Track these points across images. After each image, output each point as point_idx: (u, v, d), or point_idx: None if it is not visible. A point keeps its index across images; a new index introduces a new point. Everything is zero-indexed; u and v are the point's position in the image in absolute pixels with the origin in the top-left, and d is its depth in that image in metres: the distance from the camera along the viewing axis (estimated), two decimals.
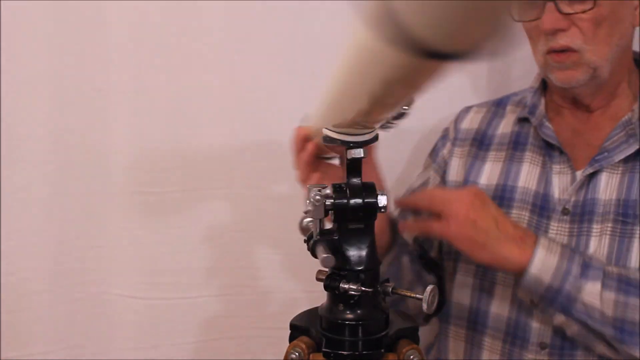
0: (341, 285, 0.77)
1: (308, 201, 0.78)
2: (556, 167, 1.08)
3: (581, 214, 1.04)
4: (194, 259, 1.36)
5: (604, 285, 0.94)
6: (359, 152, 0.77)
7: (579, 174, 1.06)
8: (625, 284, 0.97)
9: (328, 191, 0.78)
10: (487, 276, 1.10)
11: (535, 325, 1.04)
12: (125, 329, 1.38)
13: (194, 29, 1.30)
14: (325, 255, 0.76)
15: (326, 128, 0.78)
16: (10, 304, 1.31)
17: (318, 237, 0.79)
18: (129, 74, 1.29)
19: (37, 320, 1.34)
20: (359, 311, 0.78)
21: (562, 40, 0.98)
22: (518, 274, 0.96)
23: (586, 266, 0.95)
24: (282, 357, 0.80)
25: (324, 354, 0.79)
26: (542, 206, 1.06)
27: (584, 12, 0.96)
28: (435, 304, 0.79)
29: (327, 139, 0.78)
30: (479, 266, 1.09)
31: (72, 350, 1.36)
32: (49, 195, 1.28)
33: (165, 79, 1.30)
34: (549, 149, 1.09)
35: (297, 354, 0.79)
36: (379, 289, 0.80)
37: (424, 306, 0.78)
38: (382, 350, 0.79)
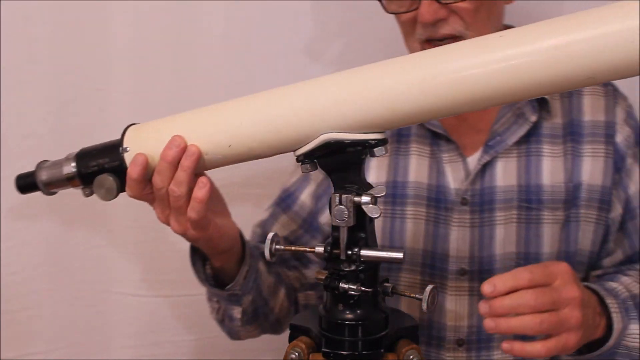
0: (341, 285, 0.78)
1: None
2: (446, 157, 1.06)
3: (481, 203, 1.03)
4: None
5: None
6: (381, 151, 0.77)
7: (471, 161, 1.05)
8: None
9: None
10: (396, 214, 1.07)
11: (449, 323, 1.04)
12: (125, 327, 1.39)
13: (194, 29, 1.30)
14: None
15: (337, 131, 0.76)
16: (11, 303, 1.31)
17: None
18: (129, 73, 1.29)
19: (38, 318, 1.34)
20: (358, 311, 0.78)
21: (443, 30, 0.97)
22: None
23: (626, 309, 0.94)
24: (282, 357, 0.80)
25: (324, 354, 0.79)
26: (438, 199, 1.05)
27: (463, 0, 0.95)
28: (435, 304, 0.79)
29: (342, 142, 0.76)
30: (386, 205, 1.07)
31: (73, 348, 1.36)
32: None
33: (165, 79, 1.31)
34: (435, 138, 1.06)
35: (296, 354, 0.79)
36: (378, 289, 0.80)
37: (424, 306, 0.78)
38: (382, 350, 0.79)
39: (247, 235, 1.17)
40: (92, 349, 1.37)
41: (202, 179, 0.83)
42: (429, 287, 0.78)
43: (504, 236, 1.03)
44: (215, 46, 1.31)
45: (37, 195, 0.94)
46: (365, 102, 0.75)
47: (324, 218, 1.12)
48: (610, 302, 0.93)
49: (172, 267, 1.35)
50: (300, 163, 0.79)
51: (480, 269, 1.04)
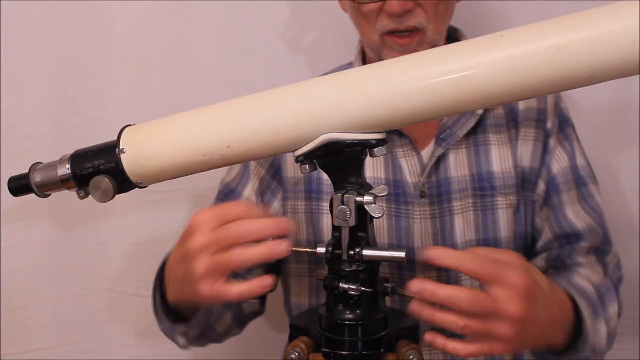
0: (341, 285, 0.78)
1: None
2: (400, 151, 1.07)
3: (438, 195, 1.06)
4: None
5: (605, 322, 0.95)
6: (381, 151, 0.77)
7: (424, 154, 1.07)
8: (603, 288, 0.99)
9: None
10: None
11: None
12: (126, 326, 1.39)
13: (194, 29, 1.30)
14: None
15: (337, 131, 0.76)
16: (13, 301, 1.32)
17: None
18: (129, 73, 1.30)
19: (40, 316, 1.34)
20: (358, 311, 0.78)
21: (408, 22, 0.99)
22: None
23: (595, 311, 0.94)
24: (282, 357, 0.80)
25: (324, 353, 0.79)
26: (397, 193, 1.06)
27: None
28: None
29: (342, 142, 0.76)
30: None
31: (75, 346, 1.37)
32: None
33: (165, 79, 1.31)
34: (388, 133, 1.06)
35: (296, 353, 0.79)
36: (378, 289, 0.80)
37: None
38: (382, 350, 0.79)
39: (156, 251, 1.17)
40: (93, 348, 1.37)
41: (267, 279, 0.78)
42: None
43: (462, 225, 1.05)
44: (215, 46, 1.31)
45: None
46: (365, 102, 0.75)
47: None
48: (582, 306, 0.91)
49: None
50: (299, 164, 0.79)
51: None
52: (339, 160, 0.78)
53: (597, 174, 1.22)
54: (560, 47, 0.68)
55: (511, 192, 1.06)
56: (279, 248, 0.76)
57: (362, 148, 0.77)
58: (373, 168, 1.07)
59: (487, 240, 1.06)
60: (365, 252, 0.77)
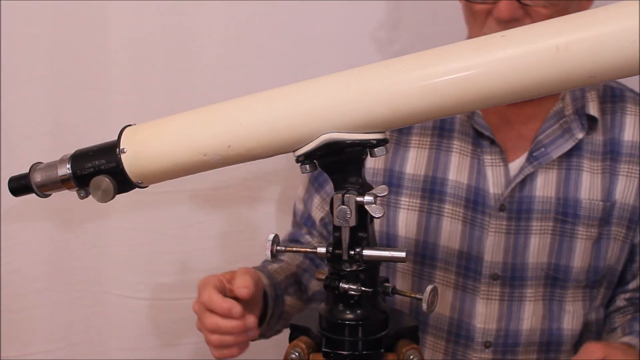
0: (341, 285, 0.77)
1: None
2: (488, 159, 1.06)
3: (518, 211, 1.04)
4: (193, 259, 1.36)
5: None
6: (381, 151, 0.77)
7: (512, 167, 1.05)
8: None
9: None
10: (424, 276, 1.09)
11: (479, 325, 1.05)
12: (124, 329, 1.39)
13: (194, 29, 1.30)
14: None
15: (339, 132, 0.76)
16: (11, 304, 1.31)
17: None
18: (129, 73, 1.29)
19: (37, 319, 1.34)
20: (358, 311, 0.78)
21: None
22: None
23: None
24: (282, 357, 0.80)
25: (324, 353, 0.79)
26: (476, 201, 1.05)
27: (545, 6, 0.96)
28: (435, 305, 0.79)
29: (343, 142, 0.76)
30: (415, 265, 1.09)
31: (72, 349, 1.36)
32: None
33: (165, 79, 1.30)
34: (479, 139, 1.06)
35: (297, 354, 0.79)
36: (378, 289, 0.80)
37: (424, 306, 0.78)
38: (382, 350, 0.79)
39: (246, 229, 1.20)
40: (90, 350, 1.37)
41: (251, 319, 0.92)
42: (429, 288, 0.78)
43: (537, 246, 1.04)
44: (215, 46, 1.31)
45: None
46: (366, 102, 0.75)
47: None
48: None
49: (171, 270, 1.35)
50: (300, 164, 0.79)
51: (512, 276, 1.05)
52: (340, 160, 0.78)
53: None
54: (560, 47, 0.68)
55: (594, 224, 1.04)
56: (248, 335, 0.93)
57: (363, 148, 0.77)
58: (457, 172, 1.06)
59: (558, 266, 1.04)
60: (366, 252, 0.77)
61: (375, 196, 0.75)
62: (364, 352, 0.78)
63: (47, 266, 1.33)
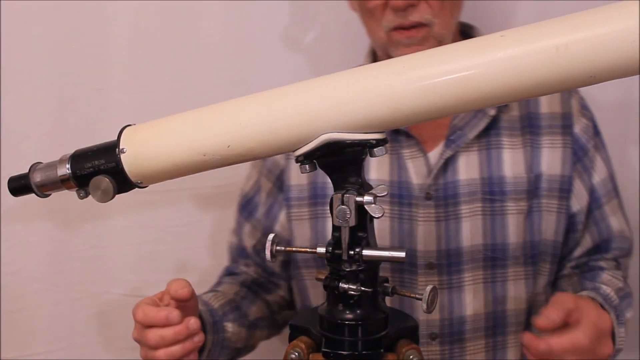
0: (341, 285, 0.77)
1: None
2: (406, 152, 1.06)
3: (445, 198, 1.04)
4: (193, 258, 1.36)
5: (624, 328, 0.96)
6: (381, 151, 0.77)
7: (432, 156, 1.06)
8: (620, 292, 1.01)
9: None
10: None
11: (422, 318, 1.04)
12: (124, 329, 1.38)
13: (194, 29, 1.30)
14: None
15: (338, 131, 0.76)
16: (11, 304, 1.31)
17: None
18: (129, 73, 1.30)
19: (38, 319, 1.34)
20: (358, 311, 0.78)
21: (412, 17, 0.99)
22: None
23: (618, 316, 0.95)
24: (282, 357, 0.80)
25: (324, 354, 0.79)
26: (401, 195, 1.05)
27: None
28: (435, 304, 0.79)
29: (342, 142, 0.76)
30: None
31: (72, 350, 1.36)
32: None
33: (165, 79, 1.31)
34: (395, 134, 1.07)
35: (296, 354, 0.79)
36: (378, 289, 0.80)
37: (424, 306, 0.78)
38: (382, 350, 0.79)
39: (225, 246, 1.18)
40: (91, 350, 1.37)
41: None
42: (428, 287, 0.78)
43: (470, 229, 1.04)
44: (215, 46, 1.31)
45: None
46: (366, 102, 0.75)
47: (279, 227, 1.13)
48: (615, 326, 0.94)
49: (171, 268, 1.35)
50: (299, 164, 0.79)
51: (448, 262, 1.05)
52: (339, 160, 0.78)
53: None
54: (560, 47, 0.68)
55: (522, 198, 1.05)
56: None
57: (362, 148, 0.77)
58: (377, 170, 1.07)
59: (494, 245, 1.04)
60: (365, 252, 0.77)
61: (375, 196, 0.75)
62: (364, 352, 0.78)
63: (47, 266, 1.33)
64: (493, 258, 1.05)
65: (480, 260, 1.05)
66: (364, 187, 0.78)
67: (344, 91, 0.76)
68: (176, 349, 0.87)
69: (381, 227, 1.05)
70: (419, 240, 1.05)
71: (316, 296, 1.12)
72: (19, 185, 0.90)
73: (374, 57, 1.13)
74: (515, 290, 1.06)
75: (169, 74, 1.31)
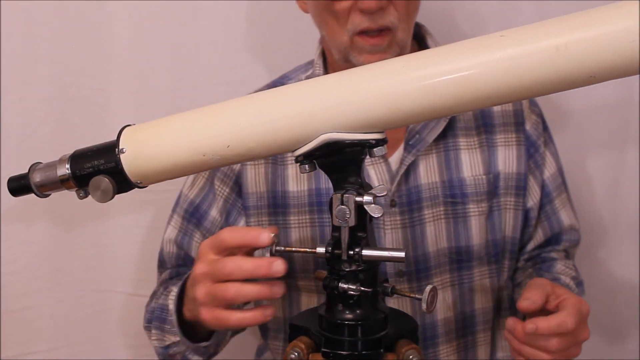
0: (340, 285, 0.77)
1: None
2: (367, 159, 1.05)
3: (408, 203, 1.04)
4: None
5: None
6: (381, 150, 0.77)
7: (393, 161, 1.05)
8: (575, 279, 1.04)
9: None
10: (325, 222, 1.06)
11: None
12: (125, 327, 1.39)
13: (194, 28, 1.30)
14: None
15: (337, 131, 0.75)
16: (12, 303, 1.31)
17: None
18: (129, 73, 1.30)
19: (38, 318, 1.34)
20: (358, 311, 0.78)
21: (381, 20, 0.96)
22: None
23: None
24: (282, 357, 0.80)
25: (323, 354, 0.79)
26: None
27: None
28: (435, 304, 0.79)
29: (342, 142, 0.76)
30: (312, 214, 1.06)
31: (74, 348, 1.36)
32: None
33: (165, 79, 1.31)
34: None
35: (296, 354, 0.79)
36: (378, 289, 0.80)
37: (423, 306, 0.78)
38: (382, 350, 0.79)
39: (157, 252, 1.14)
40: (92, 349, 1.37)
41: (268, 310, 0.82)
42: (428, 287, 0.78)
43: (434, 233, 1.04)
44: (215, 46, 1.31)
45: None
46: (365, 102, 0.75)
47: None
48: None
49: None
50: (299, 164, 0.79)
51: (417, 269, 1.05)
52: (339, 160, 0.78)
53: (597, 174, 1.22)
54: (560, 47, 0.68)
55: (482, 199, 1.05)
56: (273, 290, 0.80)
57: (362, 148, 0.77)
58: None
59: (459, 248, 1.05)
60: (365, 252, 0.77)
61: (375, 196, 0.75)
62: (364, 352, 0.78)
63: (48, 266, 1.33)
64: (459, 260, 1.05)
65: (446, 264, 1.05)
66: (364, 187, 0.78)
67: (344, 91, 0.76)
68: (250, 289, 0.80)
69: None
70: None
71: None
72: (19, 186, 0.90)
73: (324, 58, 1.10)
74: (482, 290, 1.07)
75: (169, 74, 1.31)
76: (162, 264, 1.14)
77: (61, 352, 1.35)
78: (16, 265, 1.31)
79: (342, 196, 0.75)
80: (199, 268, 0.83)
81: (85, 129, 1.28)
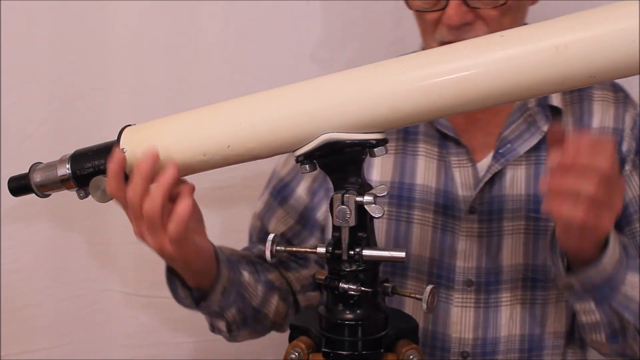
0: (341, 285, 0.77)
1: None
2: (454, 160, 1.03)
3: (489, 213, 1.01)
4: None
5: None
6: (381, 151, 0.77)
7: (481, 166, 1.02)
8: None
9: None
10: (401, 217, 1.04)
11: (454, 335, 1.02)
12: (126, 327, 1.39)
13: (194, 29, 1.30)
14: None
15: (337, 131, 0.75)
16: (12, 303, 1.31)
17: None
18: (129, 73, 1.30)
19: (40, 317, 1.34)
20: (358, 311, 0.78)
21: (467, 35, 0.92)
22: (582, 262, 0.85)
23: (627, 254, 0.88)
24: (282, 357, 0.80)
25: (324, 354, 0.79)
26: (445, 205, 1.02)
27: (494, 7, 0.93)
28: (435, 304, 0.79)
29: (343, 142, 0.76)
30: (391, 207, 1.04)
31: (74, 347, 1.36)
32: None
33: (165, 79, 1.31)
34: (444, 140, 1.03)
35: (296, 354, 0.79)
36: (378, 289, 0.80)
37: (424, 306, 0.78)
38: (382, 350, 0.79)
39: (246, 229, 1.15)
40: (92, 348, 1.37)
41: (185, 190, 0.82)
42: (428, 287, 0.78)
43: (511, 247, 1.01)
44: (215, 46, 1.31)
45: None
46: (366, 101, 0.75)
47: (321, 214, 1.09)
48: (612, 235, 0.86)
49: None
50: (299, 164, 0.79)
51: (487, 281, 1.02)
52: (339, 160, 0.78)
53: None
54: (560, 47, 0.68)
55: None
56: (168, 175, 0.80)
57: (362, 148, 0.77)
58: (424, 176, 1.03)
59: (535, 266, 1.01)
60: (365, 252, 0.77)
61: (375, 196, 0.75)
62: (364, 352, 0.78)
63: (48, 265, 1.33)
64: (534, 279, 1.02)
65: (519, 280, 1.02)
66: (364, 187, 0.78)
67: (344, 91, 0.76)
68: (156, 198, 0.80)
69: (423, 236, 1.02)
70: (459, 255, 1.02)
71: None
72: (19, 185, 0.90)
73: None
74: (556, 312, 1.03)
75: (169, 74, 1.31)
76: (250, 238, 1.15)
77: (61, 351, 1.35)
78: (16, 264, 1.31)
79: (342, 196, 0.75)
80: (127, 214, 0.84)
81: (85, 129, 1.28)
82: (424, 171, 1.04)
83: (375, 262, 0.79)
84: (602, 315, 0.89)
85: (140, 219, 0.82)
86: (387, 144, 0.78)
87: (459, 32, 0.93)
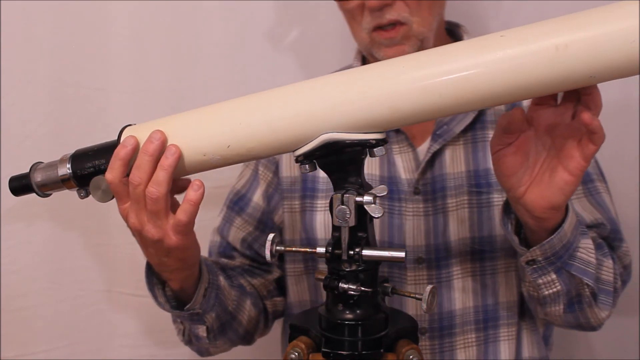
0: (340, 285, 0.78)
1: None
2: (395, 147, 1.07)
3: (433, 192, 1.05)
4: None
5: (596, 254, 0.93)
6: (381, 151, 0.77)
7: (421, 150, 1.06)
8: (598, 245, 0.98)
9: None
10: None
11: (411, 312, 1.02)
12: (125, 327, 1.39)
13: (194, 29, 1.30)
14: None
15: (337, 132, 0.76)
16: (12, 303, 1.31)
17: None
18: (129, 73, 1.30)
19: (38, 318, 1.34)
20: (358, 311, 0.78)
21: (389, 15, 0.99)
22: (542, 229, 0.86)
23: (579, 221, 0.91)
24: (282, 357, 0.80)
25: (324, 354, 0.79)
26: (391, 189, 1.05)
27: None
28: (435, 304, 0.79)
29: (342, 142, 0.76)
30: None
31: (73, 348, 1.36)
32: None
33: (165, 79, 1.31)
34: None
35: (296, 354, 0.79)
36: (378, 289, 0.80)
37: (423, 305, 0.78)
38: (382, 350, 0.79)
39: (206, 245, 1.17)
40: (92, 348, 1.37)
41: (196, 181, 0.82)
42: (428, 287, 0.78)
43: (457, 222, 1.04)
44: (215, 46, 1.31)
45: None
46: (365, 102, 0.75)
47: (278, 218, 1.13)
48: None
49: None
50: (299, 164, 0.79)
51: (437, 257, 1.05)
52: (339, 160, 0.78)
53: None
54: (560, 47, 0.68)
55: None
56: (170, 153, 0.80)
57: (362, 148, 0.77)
58: (368, 165, 1.07)
59: (482, 238, 1.04)
60: (365, 252, 0.77)
61: (375, 196, 0.75)
62: (364, 352, 0.78)
63: (48, 265, 1.33)
64: (481, 251, 1.05)
65: (468, 253, 1.05)
66: (364, 187, 0.78)
67: (344, 91, 0.76)
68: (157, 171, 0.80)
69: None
70: (408, 234, 1.05)
71: (298, 292, 1.13)
72: (20, 185, 0.90)
73: (362, 57, 1.12)
74: (507, 282, 1.06)
75: (169, 74, 1.31)
76: (209, 254, 1.17)
77: (61, 351, 1.35)
78: (16, 265, 1.31)
79: (342, 196, 0.75)
80: (123, 210, 0.84)
81: (85, 129, 1.28)
82: (368, 160, 1.06)
83: (375, 262, 0.79)
84: (562, 285, 0.91)
85: (141, 207, 0.82)
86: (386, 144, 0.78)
87: (381, 13, 0.99)
